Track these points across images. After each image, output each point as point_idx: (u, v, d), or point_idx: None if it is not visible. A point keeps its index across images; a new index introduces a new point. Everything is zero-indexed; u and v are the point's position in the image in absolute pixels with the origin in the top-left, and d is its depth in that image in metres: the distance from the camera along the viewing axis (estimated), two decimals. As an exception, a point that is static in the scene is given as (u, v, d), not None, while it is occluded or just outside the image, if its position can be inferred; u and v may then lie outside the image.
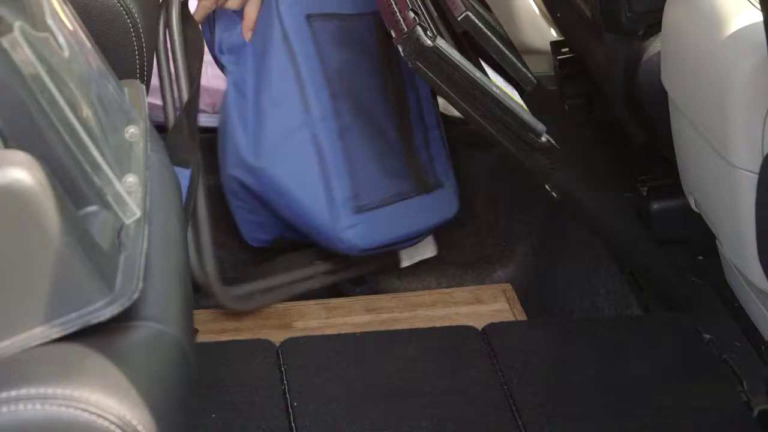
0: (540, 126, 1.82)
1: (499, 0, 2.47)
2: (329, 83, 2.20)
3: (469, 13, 1.84)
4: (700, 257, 2.13)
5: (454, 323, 2.18)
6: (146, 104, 1.43)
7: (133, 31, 1.73)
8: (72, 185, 1.09)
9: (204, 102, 2.38)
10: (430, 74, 1.77)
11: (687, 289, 2.10)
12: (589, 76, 2.30)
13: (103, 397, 1.00)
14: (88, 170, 1.11)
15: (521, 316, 2.30)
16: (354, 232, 2.22)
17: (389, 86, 2.28)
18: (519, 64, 1.93)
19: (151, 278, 1.14)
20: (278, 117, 2.20)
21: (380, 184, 2.26)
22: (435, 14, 1.87)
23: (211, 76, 2.37)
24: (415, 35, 1.76)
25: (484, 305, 2.33)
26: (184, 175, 1.96)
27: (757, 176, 1.64)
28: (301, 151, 2.20)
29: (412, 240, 2.35)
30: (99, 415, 0.99)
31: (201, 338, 2.10)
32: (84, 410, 0.99)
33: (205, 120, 2.38)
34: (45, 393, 0.99)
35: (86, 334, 1.04)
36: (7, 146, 1.06)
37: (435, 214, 2.34)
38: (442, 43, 1.76)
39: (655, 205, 2.16)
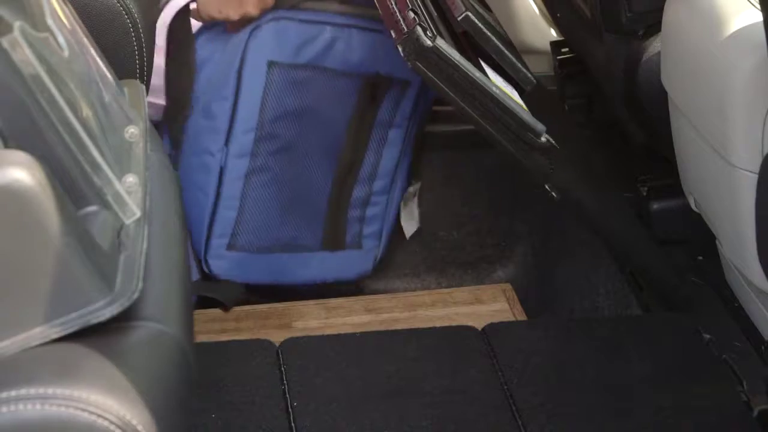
0: (539, 126, 1.82)
1: (499, 0, 2.47)
2: (260, 127, 2.19)
3: (469, 14, 1.84)
4: (700, 257, 2.13)
5: (453, 323, 2.18)
6: (146, 104, 1.43)
7: (133, 31, 1.73)
8: (72, 185, 1.09)
9: None
10: (429, 74, 1.77)
11: (687, 289, 2.10)
12: (589, 76, 2.30)
13: (103, 397, 1.00)
14: (88, 170, 1.11)
15: (521, 316, 2.30)
16: (218, 264, 2.26)
17: (346, 145, 2.27)
18: (519, 64, 1.93)
19: (151, 278, 1.14)
20: (202, 129, 2.20)
21: (270, 230, 2.27)
22: (435, 14, 1.87)
23: None
24: (414, 35, 1.75)
25: (484, 305, 2.33)
26: None
27: (757, 176, 1.64)
28: (206, 174, 2.22)
29: (293, 287, 2.35)
30: (99, 415, 0.99)
31: (201, 338, 2.10)
32: (84, 410, 0.99)
33: None
34: (45, 393, 0.99)
35: (86, 334, 1.04)
36: (7, 146, 1.06)
37: (328, 272, 2.35)
38: (442, 43, 1.75)
39: (655, 205, 2.16)
